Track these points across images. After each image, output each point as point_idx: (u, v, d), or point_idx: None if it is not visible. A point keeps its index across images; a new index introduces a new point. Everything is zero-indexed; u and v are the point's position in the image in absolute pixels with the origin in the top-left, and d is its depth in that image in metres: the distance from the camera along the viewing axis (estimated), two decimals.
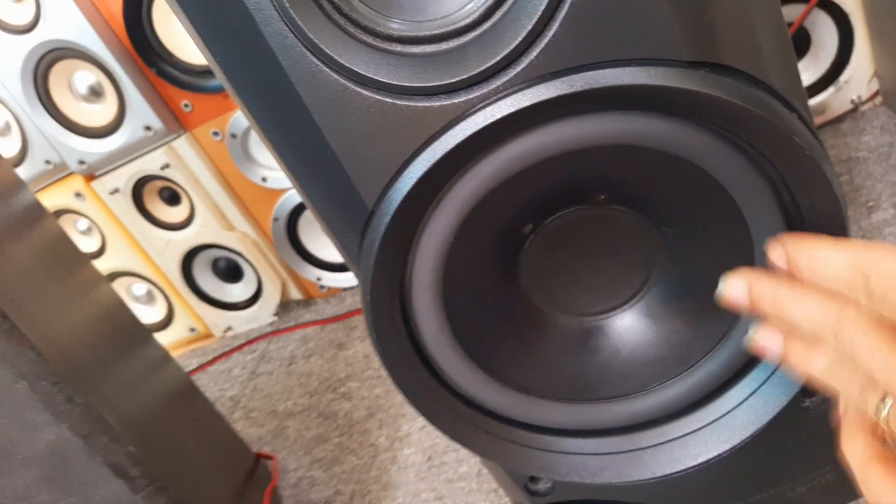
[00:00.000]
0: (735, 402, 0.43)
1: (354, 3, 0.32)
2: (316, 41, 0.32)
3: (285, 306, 1.17)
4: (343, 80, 0.33)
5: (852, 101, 0.88)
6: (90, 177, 1.09)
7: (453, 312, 0.41)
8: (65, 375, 0.43)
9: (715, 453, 0.43)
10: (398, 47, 0.32)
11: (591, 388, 0.44)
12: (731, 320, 0.41)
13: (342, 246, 0.41)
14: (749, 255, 0.38)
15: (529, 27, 0.31)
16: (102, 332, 0.57)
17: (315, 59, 0.32)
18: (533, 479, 0.47)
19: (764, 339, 0.34)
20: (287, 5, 0.31)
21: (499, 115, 0.32)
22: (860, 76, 0.87)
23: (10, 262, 0.48)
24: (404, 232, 0.37)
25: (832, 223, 0.36)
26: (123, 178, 1.06)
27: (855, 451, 0.31)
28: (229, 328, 1.20)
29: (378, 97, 0.33)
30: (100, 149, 1.04)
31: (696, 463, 0.43)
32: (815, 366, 0.31)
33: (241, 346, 1.14)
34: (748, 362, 0.42)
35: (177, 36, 0.98)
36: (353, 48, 0.32)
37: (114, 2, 0.95)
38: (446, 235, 0.38)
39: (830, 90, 0.89)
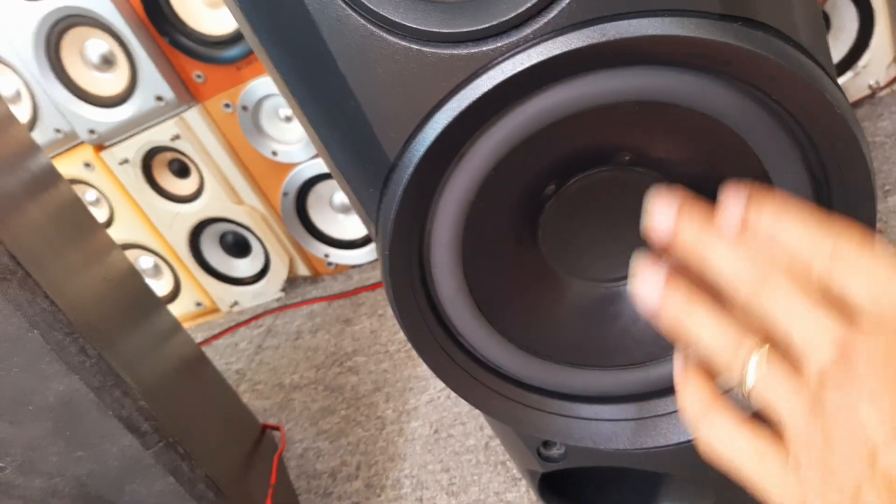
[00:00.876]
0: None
1: None
2: None
3: (292, 282, 1.17)
4: (369, 26, 0.32)
5: (870, 87, 0.87)
6: (100, 146, 1.08)
7: (472, 273, 0.40)
8: (78, 327, 0.43)
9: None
10: None
11: (607, 355, 0.44)
12: None
13: (361, 203, 0.40)
14: None
15: None
16: (115, 296, 0.57)
17: (341, 3, 0.32)
18: (546, 445, 0.47)
19: (646, 273, 0.31)
20: None
21: (528, 64, 0.32)
22: (879, 61, 0.86)
23: (25, 219, 0.48)
24: (426, 186, 0.37)
25: (860, 189, 0.36)
26: (133, 148, 1.06)
27: (694, 397, 0.30)
28: (236, 303, 1.20)
29: (405, 44, 0.32)
30: (110, 118, 1.03)
31: None
32: (695, 316, 0.29)
33: (247, 321, 1.14)
34: None
35: (191, 5, 0.98)
36: None
37: None
38: (468, 192, 0.37)
39: (849, 74, 0.88)
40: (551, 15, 0.31)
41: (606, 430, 0.45)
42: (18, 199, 0.49)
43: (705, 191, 0.39)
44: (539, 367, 0.44)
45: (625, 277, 0.43)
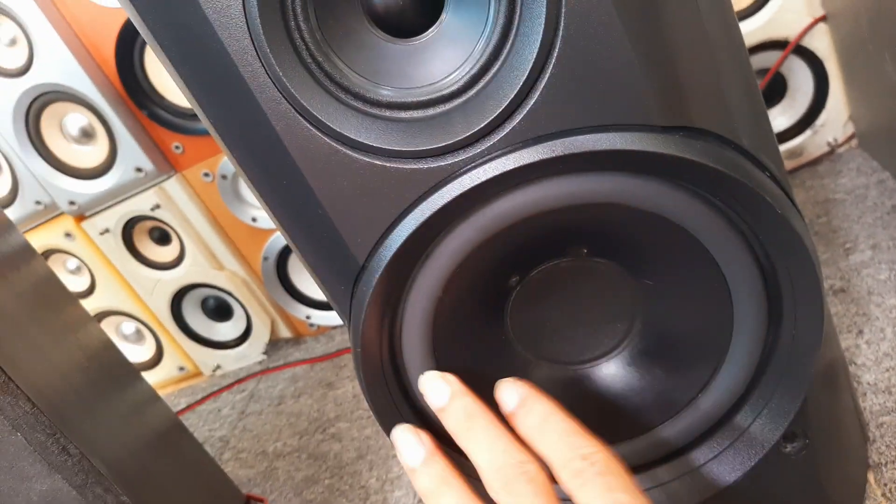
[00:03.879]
0: (718, 449, 0.44)
1: (346, 72, 0.34)
2: (308, 107, 0.33)
3: (274, 344, 1.18)
4: (334, 144, 0.34)
5: (829, 144, 0.91)
6: (80, 217, 1.10)
7: (443, 361, 0.42)
8: (58, 426, 0.43)
9: (698, 499, 0.43)
10: (387, 112, 0.34)
11: None
12: (712, 370, 0.42)
13: (333, 299, 0.42)
14: (728, 307, 0.40)
15: (511, 96, 0.32)
16: (90, 374, 0.57)
17: (307, 125, 0.34)
18: None
19: (409, 441, 0.38)
20: (280, 74, 0.32)
21: (484, 178, 0.34)
22: (836, 119, 0.90)
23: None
24: (394, 286, 0.38)
25: (805, 278, 0.38)
26: (114, 218, 1.07)
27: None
28: (218, 367, 1.20)
29: (368, 160, 0.34)
30: (90, 189, 1.05)
31: None
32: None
33: (230, 386, 1.14)
34: (729, 410, 0.43)
35: (168, 80, 1.00)
36: (344, 114, 0.34)
37: (106, 46, 0.97)
38: (435, 289, 0.39)
39: (807, 133, 0.91)
40: (504, 133, 0.33)
41: None
42: None
43: (659, 278, 0.41)
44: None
45: (589, 360, 0.44)
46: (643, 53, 0.32)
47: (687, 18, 0.35)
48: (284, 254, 1.09)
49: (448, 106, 0.34)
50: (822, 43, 0.86)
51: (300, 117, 0.34)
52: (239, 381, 1.14)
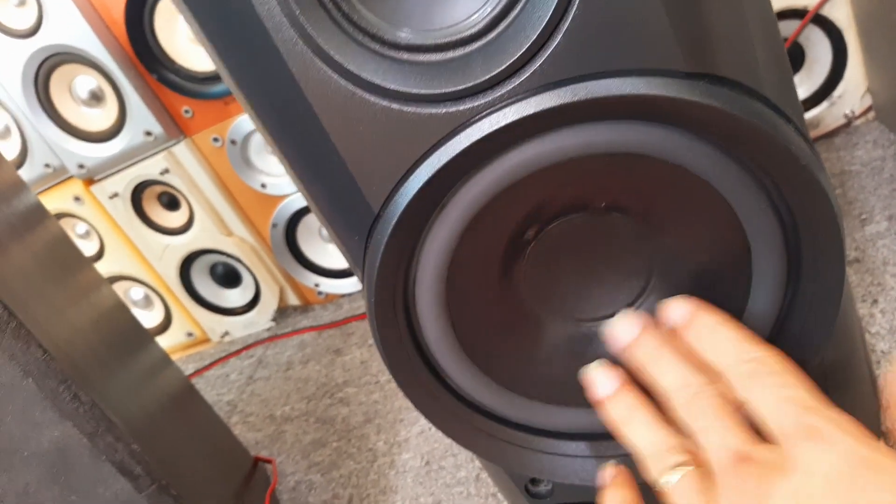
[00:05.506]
0: None
1: (363, 13, 0.33)
2: (325, 48, 0.33)
3: (283, 312, 1.18)
4: (351, 87, 0.33)
5: (845, 116, 0.90)
6: (89, 181, 1.09)
7: (456, 316, 0.41)
8: (70, 374, 0.43)
9: None
10: (405, 55, 0.33)
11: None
12: None
13: (347, 250, 0.42)
14: (746, 265, 0.39)
15: (533, 38, 0.32)
16: (104, 333, 0.58)
17: (324, 66, 0.33)
18: (533, 482, 0.47)
19: (602, 376, 0.40)
20: (297, 13, 0.32)
21: (502, 123, 0.33)
22: (853, 91, 0.89)
23: (12, 262, 0.49)
24: (409, 236, 0.38)
25: (827, 233, 0.37)
26: (123, 182, 1.07)
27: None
28: (226, 333, 1.20)
29: (385, 104, 0.34)
30: (100, 153, 1.05)
31: None
32: (634, 423, 0.37)
33: (238, 352, 1.14)
34: None
35: (178, 42, 0.99)
36: (362, 55, 0.33)
37: (116, 7, 0.96)
38: (450, 240, 0.39)
39: (824, 105, 0.90)
40: (524, 76, 0.33)
41: (591, 467, 0.45)
42: (5, 243, 0.50)
43: (677, 233, 0.41)
44: (523, 405, 0.45)
45: (603, 317, 0.44)
46: None
47: None
48: (294, 221, 1.08)
49: (468, 49, 0.33)
50: (841, 13, 0.85)
51: (317, 59, 0.33)
52: (247, 347, 1.14)
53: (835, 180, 0.83)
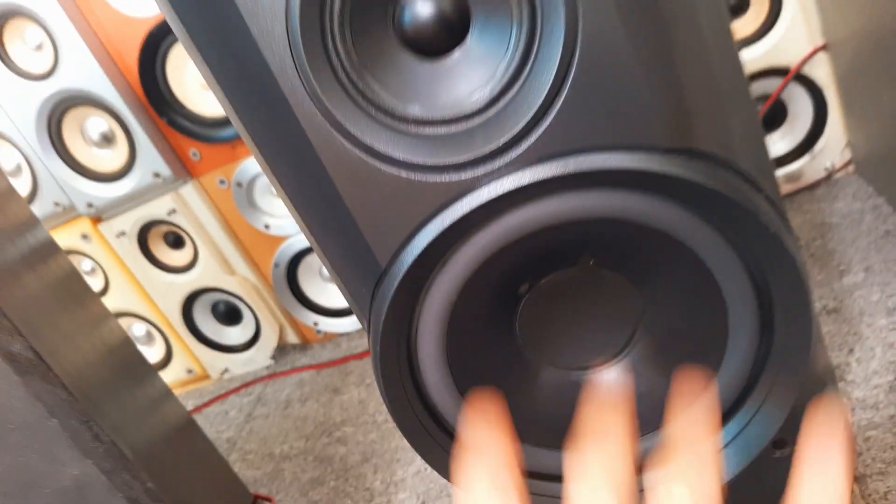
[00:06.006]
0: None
1: (377, 90, 0.36)
2: (342, 121, 0.36)
3: (282, 350, 1.20)
4: (364, 156, 0.37)
5: (826, 169, 0.94)
6: (97, 219, 1.13)
7: (455, 363, 0.44)
8: (91, 413, 0.46)
9: None
10: (413, 128, 0.37)
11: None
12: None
13: (354, 300, 0.45)
14: (723, 320, 0.42)
15: (529, 116, 0.35)
16: (113, 366, 0.60)
17: (340, 137, 0.37)
18: None
19: None
20: (318, 91, 0.35)
21: (500, 191, 0.37)
22: (834, 145, 0.93)
23: (29, 294, 0.52)
24: (413, 290, 0.41)
25: (795, 294, 0.40)
26: (130, 221, 1.10)
27: None
28: (226, 370, 1.22)
29: (394, 171, 0.37)
30: (109, 193, 1.08)
31: None
32: None
33: (237, 389, 1.16)
34: (722, 417, 0.46)
35: (188, 87, 1.03)
36: (374, 128, 0.37)
37: (130, 54, 1.00)
38: (450, 293, 0.42)
39: (806, 158, 0.94)
40: (521, 149, 0.36)
41: None
42: (22, 276, 0.52)
43: (660, 290, 0.44)
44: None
45: (593, 365, 0.47)
46: (652, 80, 0.35)
47: (693, 49, 0.38)
48: (295, 260, 1.12)
49: (470, 123, 0.37)
50: (822, 71, 0.89)
51: (334, 131, 0.37)
52: (246, 384, 1.16)
53: (815, 232, 0.87)
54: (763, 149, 0.44)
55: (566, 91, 0.35)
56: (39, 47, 1.02)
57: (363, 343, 1.13)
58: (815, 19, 0.87)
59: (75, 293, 0.63)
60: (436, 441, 0.47)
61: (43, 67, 1.02)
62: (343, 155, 0.37)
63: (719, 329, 0.43)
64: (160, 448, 0.59)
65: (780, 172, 0.95)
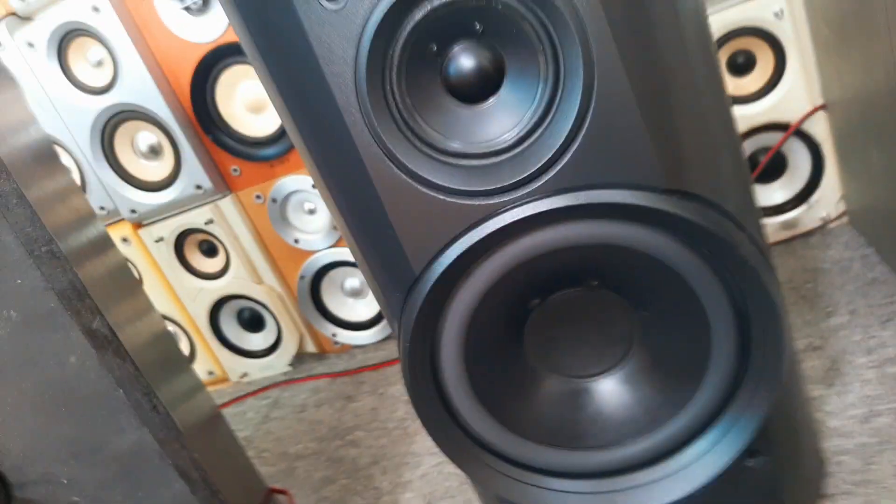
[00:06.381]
0: (692, 458, 0.52)
1: (424, 127, 0.44)
2: (394, 152, 0.43)
3: (300, 358, 1.27)
4: (409, 181, 0.44)
5: (821, 219, 1.01)
6: (138, 224, 1.20)
7: (471, 365, 0.51)
8: (151, 387, 0.53)
9: (673, 498, 0.52)
10: (452, 160, 0.44)
11: (576, 438, 0.54)
12: (692, 391, 0.51)
13: (387, 303, 0.52)
14: (707, 338, 0.49)
15: (549, 156, 0.42)
16: (161, 350, 0.66)
17: (391, 164, 0.44)
18: None
19: None
20: (376, 125, 0.43)
21: (520, 216, 0.44)
22: (829, 197, 1.00)
23: (101, 280, 0.58)
24: (441, 295, 0.48)
25: (770, 320, 0.47)
26: (169, 228, 1.18)
27: None
28: (245, 374, 1.29)
29: (434, 194, 0.44)
30: (151, 201, 1.16)
31: (660, 503, 0.53)
32: None
33: (255, 392, 1.23)
34: (703, 426, 0.52)
35: (234, 109, 1.12)
36: (420, 159, 0.44)
37: (183, 75, 1.09)
38: (471, 302, 0.49)
39: (803, 207, 1.01)
40: (540, 182, 0.43)
41: (574, 500, 0.54)
42: (92, 260, 0.59)
43: (654, 310, 0.50)
44: (521, 445, 0.54)
45: (592, 375, 0.54)
46: (652, 133, 0.43)
47: (689, 107, 0.45)
48: (319, 274, 1.19)
49: (499, 158, 0.44)
50: (820, 128, 0.97)
51: (386, 159, 0.44)
52: (264, 388, 1.23)
53: (808, 275, 0.93)
54: (749, 194, 0.51)
55: (581, 138, 0.42)
56: (100, 64, 1.11)
57: (377, 355, 1.19)
58: (815, 80, 0.95)
59: (129, 284, 0.69)
60: (450, 433, 0.54)
61: (102, 82, 1.11)
62: (392, 179, 0.44)
63: (704, 347, 0.49)
64: (199, 429, 0.65)
65: (778, 220, 1.02)
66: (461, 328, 0.50)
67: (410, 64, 0.43)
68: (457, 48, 0.44)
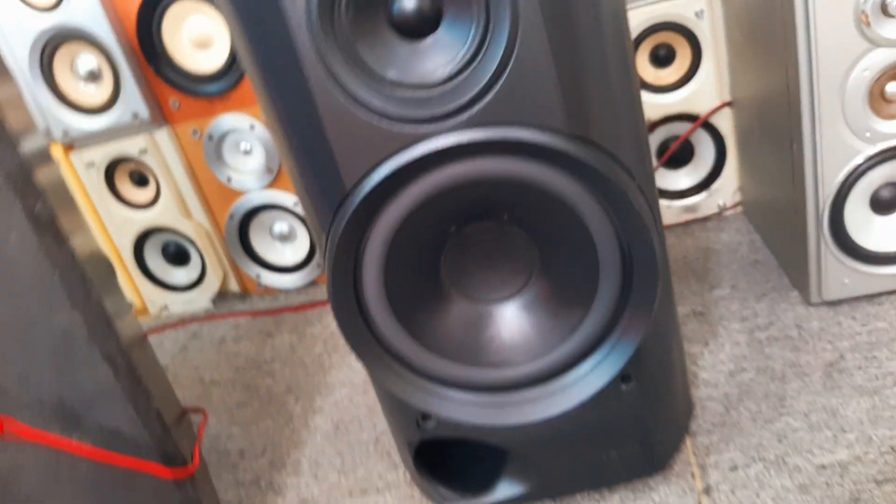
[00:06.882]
0: (574, 379, 0.60)
1: (366, 57, 0.49)
2: (336, 74, 0.48)
3: (222, 297, 1.30)
4: (349, 103, 0.49)
5: (719, 206, 1.11)
6: (69, 147, 1.20)
7: (390, 281, 0.57)
8: (87, 276, 0.57)
9: (557, 411, 0.60)
10: (389, 89, 0.49)
11: (478, 355, 0.60)
12: (579, 320, 0.58)
13: (317, 216, 0.57)
14: (595, 272, 0.56)
15: (475, 92, 0.48)
16: (96, 264, 0.67)
17: (335, 85, 0.49)
18: (424, 417, 0.62)
19: None
20: (323, 50, 0.48)
21: (446, 144, 0.50)
22: (728, 187, 1.10)
23: (50, 182, 0.59)
24: (367, 213, 0.53)
25: (648, 257, 0.55)
26: (101, 154, 1.18)
27: None
28: (166, 307, 1.31)
29: (369, 119, 0.50)
30: (85, 125, 1.16)
31: (542, 417, 0.60)
32: None
33: (175, 325, 1.25)
34: (587, 351, 0.59)
35: (179, 44, 1.13)
36: (361, 84, 0.49)
37: (131, 3, 1.09)
38: (394, 223, 0.54)
39: (704, 194, 1.11)
40: (465, 116, 0.49)
41: (471, 411, 0.61)
42: (37, 169, 0.61)
43: (553, 243, 0.57)
44: (430, 357, 0.60)
45: (495, 300, 0.60)
46: (564, 83, 0.49)
47: (597, 68, 0.52)
48: (249, 215, 1.22)
49: (431, 92, 0.49)
50: (725, 123, 1.07)
51: (329, 81, 0.49)
52: (184, 322, 1.25)
53: (700, 253, 1.03)
54: (644, 152, 0.59)
55: (503, 80, 0.49)
56: None
57: (300, 298, 1.23)
58: (725, 78, 1.04)
59: (68, 197, 0.70)
60: (368, 344, 0.60)
61: (48, 1, 1.10)
62: (333, 100, 0.49)
63: (593, 280, 0.56)
64: (128, 335, 0.68)
65: (682, 203, 1.12)
66: (383, 246, 0.55)
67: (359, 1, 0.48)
68: None
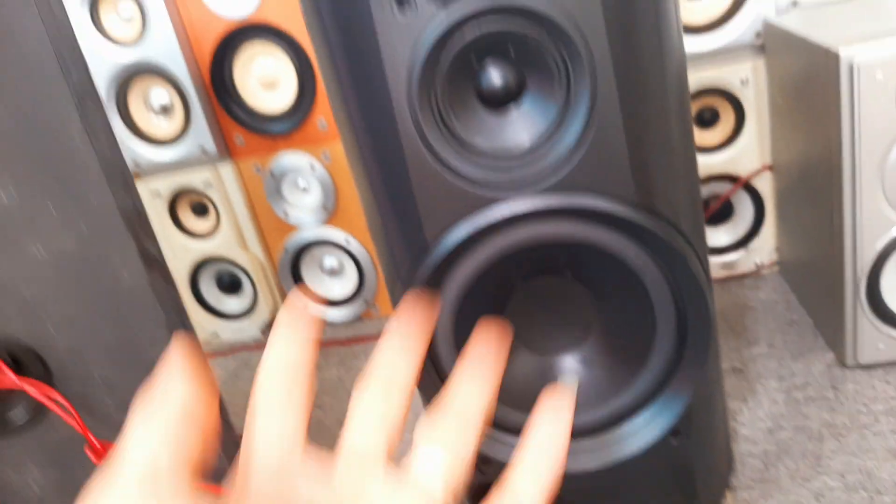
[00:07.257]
0: (628, 431, 0.64)
1: (456, 125, 0.54)
2: (430, 141, 0.54)
3: (272, 327, 1.35)
4: (438, 166, 0.54)
5: (756, 265, 1.15)
6: (136, 176, 1.27)
7: (459, 333, 0.61)
8: (184, 310, 0.62)
9: (610, 461, 0.63)
10: (475, 157, 0.55)
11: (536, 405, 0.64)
12: (634, 374, 0.62)
13: (393, 265, 0.61)
14: (652, 332, 0.60)
15: (555, 163, 0.53)
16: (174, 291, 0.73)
17: (425, 150, 0.54)
18: (485, 462, 0.66)
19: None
20: (420, 119, 0.53)
21: (522, 209, 0.54)
22: (765, 246, 1.14)
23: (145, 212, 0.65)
24: (445, 266, 0.58)
25: (702, 322, 0.59)
26: (167, 184, 1.25)
27: None
28: (215, 334, 1.36)
29: (456, 181, 0.55)
30: (155, 156, 1.23)
31: (596, 466, 0.63)
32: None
33: (225, 353, 1.30)
34: (640, 404, 0.63)
35: (249, 84, 1.20)
36: (449, 150, 0.54)
37: (207, 43, 1.17)
38: (468, 276, 0.59)
39: (741, 252, 1.15)
40: (543, 185, 0.54)
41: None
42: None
43: (613, 302, 0.62)
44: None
45: (556, 352, 0.64)
46: (634, 156, 0.54)
47: (664, 142, 0.56)
48: (302, 250, 1.27)
49: (513, 162, 0.54)
50: (765, 185, 1.11)
51: (422, 146, 0.54)
52: (234, 349, 1.30)
53: (737, 310, 1.07)
54: (699, 219, 0.63)
55: (581, 153, 0.53)
56: (129, 20, 1.18)
57: (346, 332, 1.28)
58: (767, 143, 1.09)
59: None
60: (434, 383, 0.64)
61: (128, 35, 1.18)
62: (425, 163, 0.55)
63: (649, 339, 0.61)
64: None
65: (720, 260, 1.16)
66: (456, 297, 0.60)
67: (453, 72, 0.53)
68: (491, 64, 0.54)
